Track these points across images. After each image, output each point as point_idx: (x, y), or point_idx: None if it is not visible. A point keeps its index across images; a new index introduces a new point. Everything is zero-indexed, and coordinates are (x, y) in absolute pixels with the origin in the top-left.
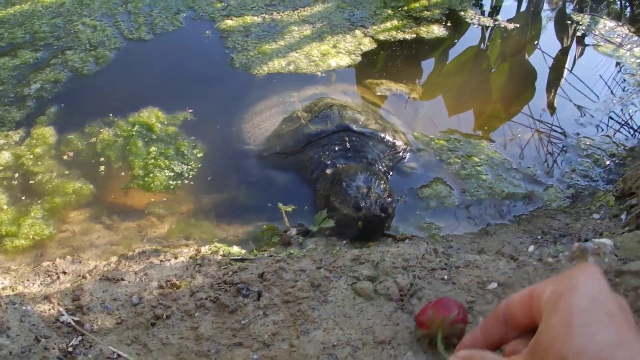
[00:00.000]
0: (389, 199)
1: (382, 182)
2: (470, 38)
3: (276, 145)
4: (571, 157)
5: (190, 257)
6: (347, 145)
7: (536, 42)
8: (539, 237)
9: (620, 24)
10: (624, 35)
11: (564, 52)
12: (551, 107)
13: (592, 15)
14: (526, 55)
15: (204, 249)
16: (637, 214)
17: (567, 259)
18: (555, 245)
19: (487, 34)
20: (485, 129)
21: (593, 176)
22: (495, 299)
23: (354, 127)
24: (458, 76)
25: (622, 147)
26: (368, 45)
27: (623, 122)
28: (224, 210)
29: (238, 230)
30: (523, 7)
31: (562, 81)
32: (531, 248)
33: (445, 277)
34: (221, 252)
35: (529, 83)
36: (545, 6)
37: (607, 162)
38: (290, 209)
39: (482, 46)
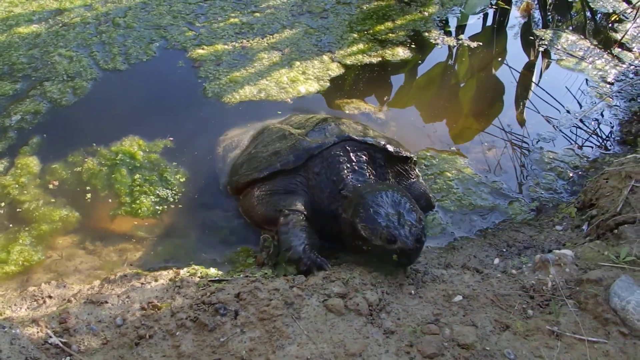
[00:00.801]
0: (421, 226)
1: (410, 204)
2: (435, 58)
3: (275, 163)
4: (536, 170)
5: (170, 280)
6: (352, 156)
7: (500, 59)
8: (504, 249)
9: (583, 37)
10: (585, 49)
11: (528, 67)
12: (520, 120)
13: (555, 30)
14: (493, 70)
15: (183, 272)
16: (598, 225)
17: (530, 270)
18: (520, 257)
19: (453, 52)
20: (456, 143)
21: (556, 188)
22: (461, 310)
23: (356, 137)
24: (428, 92)
25: (585, 159)
26: (336, 70)
27: (587, 137)
28: (201, 233)
29: (215, 253)
30: (488, 23)
31: (530, 94)
32: (496, 261)
33: (413, 291)
34: (199, 274)
35: (497, 97)
36: (510, 22)
37: (571, 174)
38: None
39: (449, 62)
